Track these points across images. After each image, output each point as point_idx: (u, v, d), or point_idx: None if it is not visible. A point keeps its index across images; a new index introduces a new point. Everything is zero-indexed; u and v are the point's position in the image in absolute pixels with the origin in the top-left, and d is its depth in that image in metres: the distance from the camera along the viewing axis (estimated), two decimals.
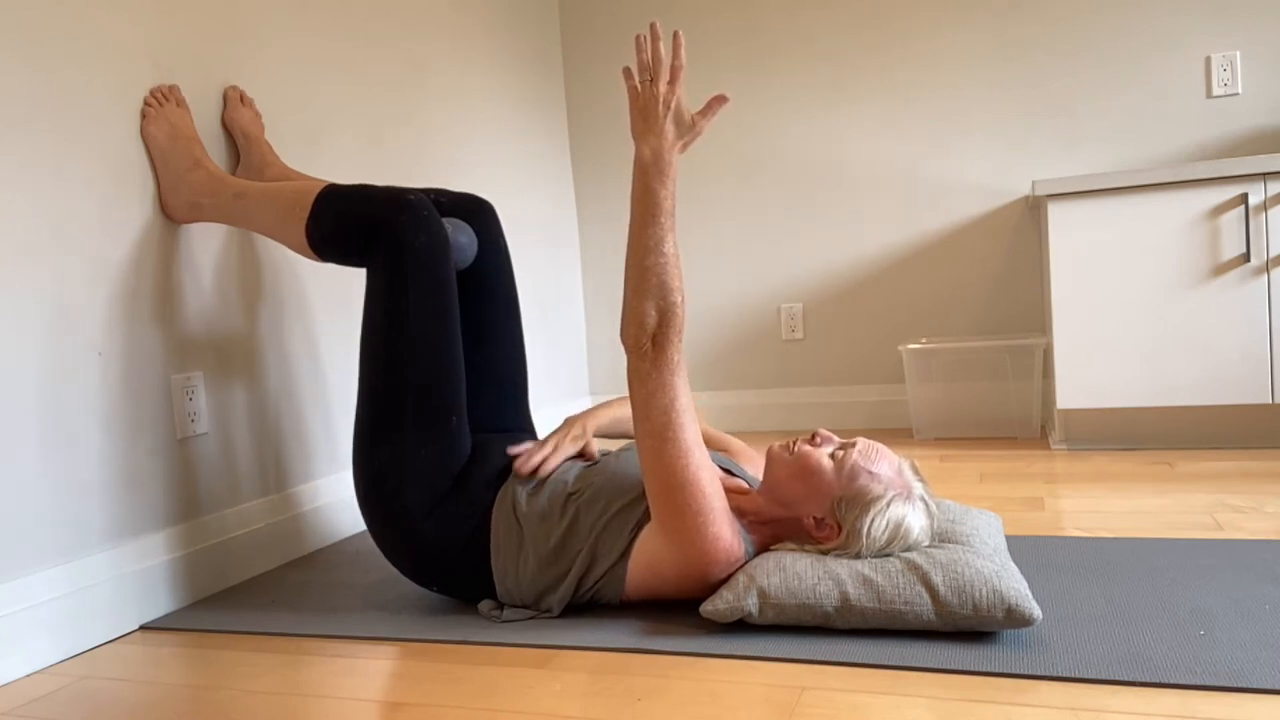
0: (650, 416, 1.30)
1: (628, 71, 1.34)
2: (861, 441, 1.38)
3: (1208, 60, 2.71)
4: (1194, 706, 1.02)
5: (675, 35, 1.32)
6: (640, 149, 1.31)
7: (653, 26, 1.32)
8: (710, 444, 1.72)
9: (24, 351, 1.43)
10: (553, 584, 1.42)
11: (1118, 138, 2.80)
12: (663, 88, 1.31)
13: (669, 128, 1.31)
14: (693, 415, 1.31)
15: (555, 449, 1.52)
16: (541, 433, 3.02)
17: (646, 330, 1.29)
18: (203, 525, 1.72)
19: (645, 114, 1.32)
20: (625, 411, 1.65)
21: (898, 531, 1.32)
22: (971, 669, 1.14)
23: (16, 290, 1.42)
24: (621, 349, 3.41)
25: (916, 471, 1.39)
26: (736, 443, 1.75)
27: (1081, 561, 1.53)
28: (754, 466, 1.70)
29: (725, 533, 1.32)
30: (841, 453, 1.37)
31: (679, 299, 1.29)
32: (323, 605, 1.60)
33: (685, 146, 1.33)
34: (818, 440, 1.40)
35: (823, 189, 3.12)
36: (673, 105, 1.31)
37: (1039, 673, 1.12)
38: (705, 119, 1.33)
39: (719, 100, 1.34)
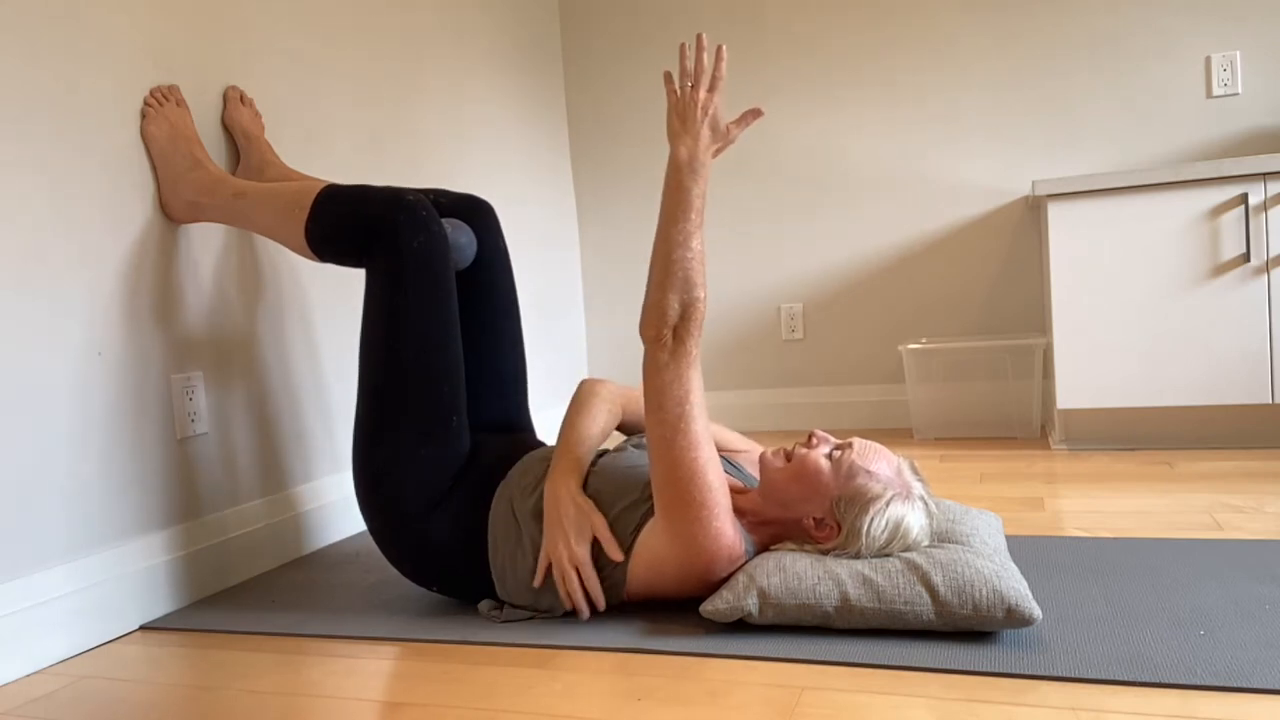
0: (664, 407, 1.31)
1: (668, 76, 1.38)
2: (858, 441, 1.39)
3: (1208, 60, 2.71)
4: (1194, 706, 1.02)
5: (719, 48, 1.38)
6: (676, 149, 1.35)
7: (699, 37, 1.38)
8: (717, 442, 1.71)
9: (24, 352, 1.43)
10: (552, 584, 1.42)
11: (1118, 138, 2.80)
12: (703, 94, 1.36)
13: (705, 132, 1.35)
14: (704, 410, 1.33)
15: (581, 572, 1.39)
16: (541, 434, 3.02)
17: (668, 322, 1.31)
18: (203, 525, 1.72)
19: (684, 117, 1.36)
20: (589, 429, 1.51)
21: (897, 531, 1.33)
22: (971, 669, 1.14)
23: (17, 290, 1.42)
24: (619, 348, 3.41)
25: (916, 471, 1.39)
26: (741, 440, 1.74)
27: (1081, 561, 1.53)
28: (755, 466, 1.70)
29: (728, 529, 1.32)
30: (839, 453, 1.37)
31: (702, 294, 1.32)
32: (323, 605, 1.60)
33: (718, 152, 1.38)
34: (814, 441, 1.40)
35: (823, 189, 3.12)
36: (710, 111, 1.35)
37: (1039, 673, 1.12)
38: (739, 128, 1.38)
39: (754, 113, 1.39)
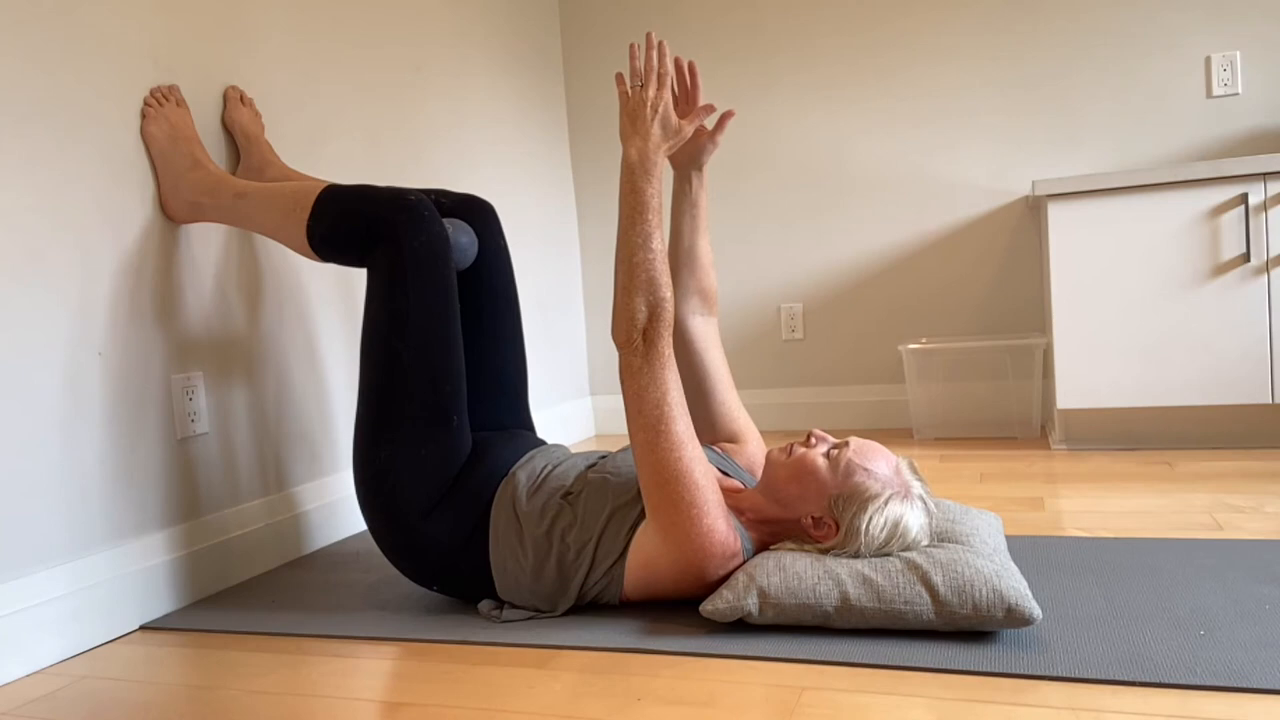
0: (643, 411, 1.31)
1: (620, 77, 1.39)
2: (855, 440, 1.39)
3: (1208, 60, 2.71)
4: (1194, 706, 1.02)
5: (660, 44, 1.38)
6: (627, 150, 1.35)
7: (648, 36, 1.38)
8: (722, 424, 1.69)
9: (24, 351, 1.43)
10: (552, 584, 1.42)
11: (1118, 138, 2.80)
12: (651, 92, 1.36)
13: (655, 130, 1.36)
14: (684, 409, 1.32)
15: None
16: (542, 433, 3.02)
17: (637, 326, 1.31)
18: (203, 525, 1.72)
19: (633, 117, 1.37)
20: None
21: (896, 530, 1.33)
22: (971, 669, 1.14)
23: (17, 290, 1.42)
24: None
25: (915, 470, 1.39)
26: (749, 427, 1.71)
27: (1081, 561, 1.53)
28: (761, 451, 1.68)
29: (720, 526, 1.32)
30: (836, 451, 1.37)
31: (668, 294, 1.32)
32: (323, 605, 1.60)
33: (671, 149, 1.38)
34: (812, 440, 1.40)
35: (822, 189, 3.12)
36: (660, 109, 1.36)
37: (1039, 673, 1.12)
38: (692, 124, 1.38)
39: (706, 109, 1.41)
